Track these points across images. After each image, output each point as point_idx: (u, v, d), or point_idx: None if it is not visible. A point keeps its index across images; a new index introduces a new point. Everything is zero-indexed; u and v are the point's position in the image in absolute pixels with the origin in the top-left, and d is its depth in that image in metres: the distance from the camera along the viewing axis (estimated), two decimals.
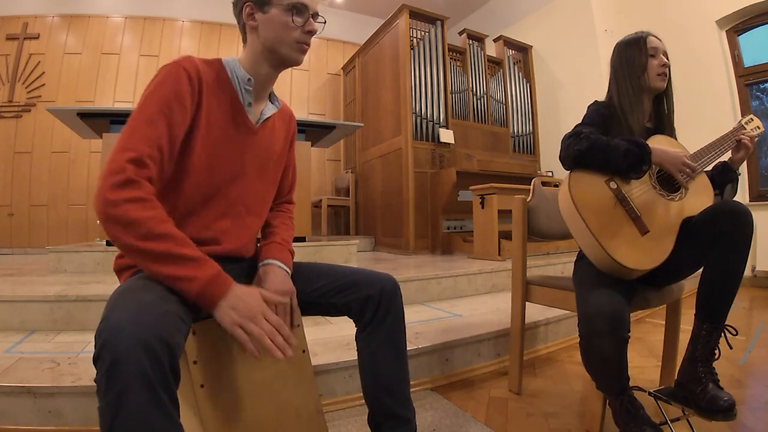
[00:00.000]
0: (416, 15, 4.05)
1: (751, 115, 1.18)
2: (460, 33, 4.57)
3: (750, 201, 3.45)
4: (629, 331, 0.92)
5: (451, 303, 2.28)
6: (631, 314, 0.99)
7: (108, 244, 2.51)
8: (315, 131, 3.16)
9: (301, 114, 5.27)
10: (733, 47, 3.60)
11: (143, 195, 0.68)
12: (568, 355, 1.82)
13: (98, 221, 0.68)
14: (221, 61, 0.87)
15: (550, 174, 4.46)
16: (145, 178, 0.70)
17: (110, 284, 1.86)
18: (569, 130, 1.14)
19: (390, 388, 0.92)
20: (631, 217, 1.05)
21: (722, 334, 1.01)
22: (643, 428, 0.94)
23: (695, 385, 0.97)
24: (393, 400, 0.91)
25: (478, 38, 4.56)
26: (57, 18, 4.68)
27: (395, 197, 4.02)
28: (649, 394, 1.07)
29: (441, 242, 3.83)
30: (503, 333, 1.69)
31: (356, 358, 0.96)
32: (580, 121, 1.19)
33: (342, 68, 5.61)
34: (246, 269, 0.92)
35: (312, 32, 0.87)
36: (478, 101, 4.41)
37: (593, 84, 4.16)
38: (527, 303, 1.44)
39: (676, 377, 1.06)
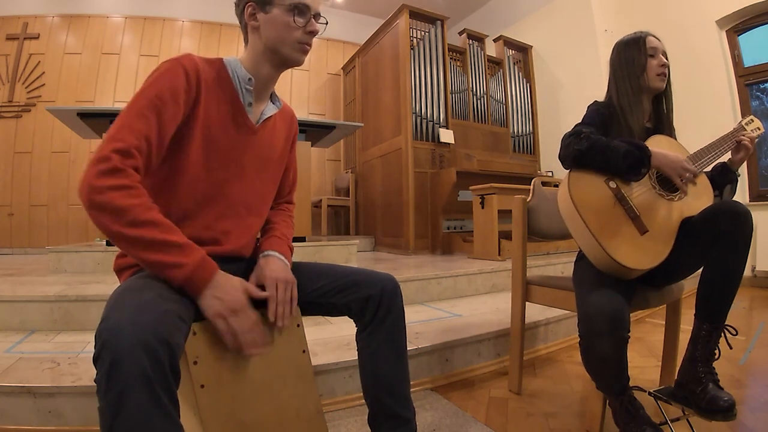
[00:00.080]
0: (416, 15, 4.05)
1: (752, 116, 1.18)
2: (460, 33, 4.57)
3: (750, 201, 3.45)
4: (629, 331, 0.92)
5: (451, 303, 2.28)
6: (631, 314, 0.99)
7: (108, 244, 2.51)
8: (315, 131, 3.16)
9: (301, 114, 5.27)
10: (733, 47, 3.60)
11: (129, 183, 0.68)
12: (568, 355, 1.82)
13: (84, 208, 0.68)
14: (222, 60, 0.88)
15: (550, 174, 4.46)
16: (131, 167, 0.70)
17: (110, 284, 1.86)
18: (569, 130, 1.14)
19: (390, 388, 0.92)
20: (630, 217, 1.05)
21: (722, 334, 1.01)
22: (643, 428, 0.94)
23: (695, 385, 0.97)
24: (393, 400, 0.91)
25: (478, 38, 4.56)
26: (57, 18, 4.68)
27: (395, 197, 4.02)
28: (649, 394, 1.07)
29: (441, 242, 3.83)
30: (503, 333, 1.69)
31: (356, 358, 0.96)
32: (579, 121, 1.19)
33: (342, 68, 5.61)
34: (245, 269, 0.92)
35: (313, 33, 0.87)
36: (478, 101, 4.41)
37: (593, 84, 4.16)
38: (527, 303, 1.44)
39: (676, 377, 1.06)
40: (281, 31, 0.84)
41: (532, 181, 1.49)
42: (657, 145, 1.15)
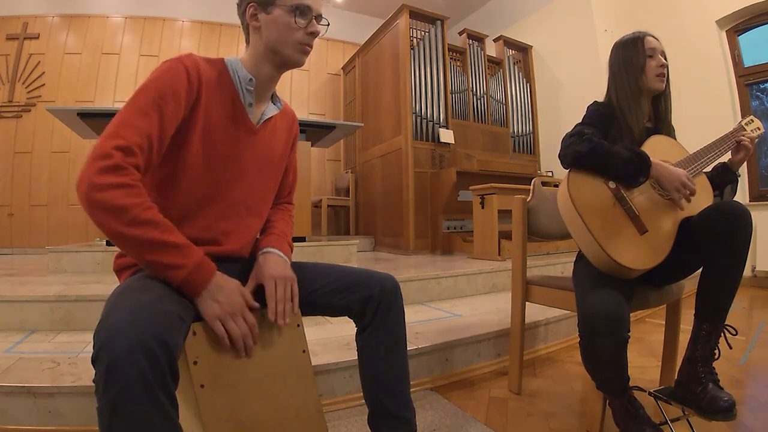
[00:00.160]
0: (416, 15, 4.05)
1: (751, 116, 1.18)
2: (460, 33, 4.57)
3: (750, 201, 3.45)
4: (629, 331, 0.92)
5: (451, 303, 2.28)
6: (631, 314, 0.99)
7: (108, 244, 2.51)
8: (315, 131, 3.16)
9: (301, 114, 5.26)
10: (733, 47, 3.60)
11: (129, 181, 0.68)
12: (568, 355, 1.82)
13: (81, 205, 0.68)
14: (224, 60, 0.88)
15: (550, 174, 4.45)
16: (132, 165, 0.69)
17: (110, 284, 1.86)
18: (570, 130, 1.14)
19: (390, 388, 0.92)
20: (629, 217, 1.05)
21: (722, 334, 1.01)
22: (643, 428, 0.94)
23: (695, 385, 0.97)
24: (393, 400, 0.91)
25: (478, 38, 4.56)
26: (57, 18, 4.68)
27: (395, 197, 4.02)
28: (649, 394, 1.07)
29: (441, 242, 3.82)
30: (503, 333, 1.69)
31: (356, 358, 0.96)
32: (580, 121, 1.19)
33: (342, 68, 5.61)
34: (245, 269, 0.92)
35: (315, 34, 0.87)
36: (478, 101, 4.41)
37: (593, 84, 4.16)
38: (527, 303, 1.44)
39: (676, 377, 1.06)
40: (282, 31, 0.84)
41: (532, 181, 1.49)
42: (657, 145, 1.15)
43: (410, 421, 0.92)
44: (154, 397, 0.55)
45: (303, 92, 5.50)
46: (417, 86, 3.92)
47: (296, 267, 0.97)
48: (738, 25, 3.57)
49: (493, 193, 3.04)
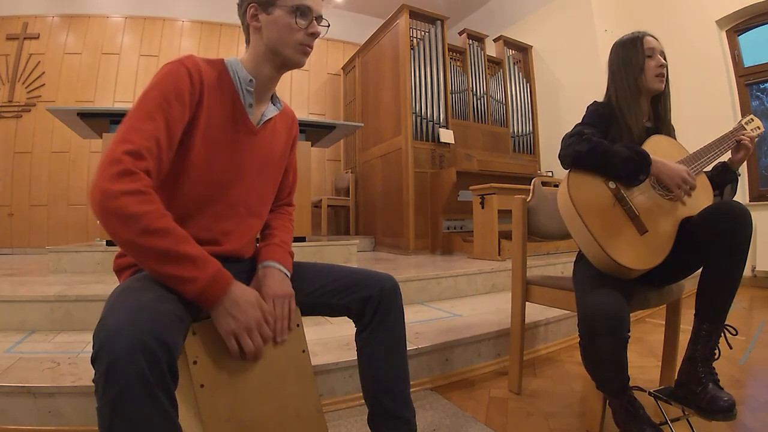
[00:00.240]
0: (416, 15, 4.05)
1: (751, 116, 1.18)
2: (460, 33, 4.57)
3: (750, 201, 3.45)
4: (629, 331, 0.92)
5: (451, 303, 2.28)
6: (631, 314, 0.99)
7: (108, 243, 2.51)
8: (315, 131, 3.16)
9: (301, 114, 5.27)
10: (733, 47, 3.60)
11: (141, 188, 0.67)
12: (568, 355, 1.82)
13: (94, 214, 0.67)
14: (223, 61, 0.87)
15: (550, 174, 4.45)
16: (142, 170, 0.69)
17: (110, 284, 1.86)
18: (569, 130, 1.14)
19: (390, 388, 0.92)
20: (629, 217, 1.05)
21: (722, 334, 1.01)
22: (643, 428, 0.94)
23: (695, 385, 0.97)
24: (393, 400, 0.91)
25: (478, 38, 4.56)
26: (57, 18, 4.68)
27: (395, 197, 4.02)
28: (649, 394, 1.07)
29: (441, 242, 3.82)
30: (503, 333, 1.69)
31: (356, 358, 0.96)
32: (579, 122, 1.19)
33: (342, 68, 5.61)
34: (245, 270, 0.92)
35: (315, 35, 0.87)
36: (478, 101, 4.41)
37: (593, 84, 4.16)
38: (527, 303, 1.44)
39: (676, 377, 1.06)
40: (283, 32, 0.84)
41: (532, 181, 1.49)
42: (657, 144, 1.15)
43: (410, 421, 0.92)
44: (154, 397, 0.55)
45: (303, 92, 5.50)
46: (417, 86, 3.92)
47: (296, 267, 0.97)
48: (738, 25, 3.57)
49: (493, 193, 3.04)
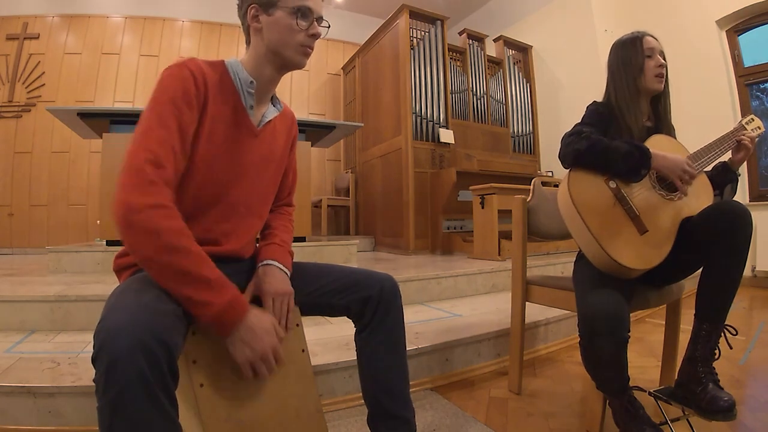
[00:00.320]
0: (416, 15, 4.05)
1: (752, 115, 1.18)
2: (460, 33, 4.57)
3: (750, 201, 3.45)
4: (629, 331, 0.92)
5: (451, 303, 2.28)
6: (631, 314, 0.99)
7: (108, 243, 2.51)
8: (315, 131, 3.16)
9: (301, 114, 5.27)
10: (733, 47, 3.60)
11: (165, 202, 0.68)
12: (568, 355, 1.82)
13: (117, 227, 0.67)
14: (224, 63, 0.87)
15: (550, 174, 4.45)
16: (164, 182, 0.70)
17: (110, 284, 1.85)
18: (570, 129, 1.14)
19: (389, 388, 0.92)
20: (630, 217, 1.05)
21: (722, 334, 1.01)
22: (643, 428, 0.94)
23: (695, 385, 0.97)
24: (392, 400, 0.91)
25: (478, 38, 4.56)
26: (57, 18, 4.68)
27: (395, 197, 4.02)
28: (649, 394, 1.07)
29: (441, 242, 3.82)
30: (503, 333, 1.69)
31: (356, 358, 0.96)
32: (579, 121, 1.19)
33: (342, 68, 5.61)
34: (245, 269, 0.92)
35: (316, 36, 0.86)
36: (478, 101, 4.41)
37: (593, 84, 4.16)
38: (527, 303, 1.44)
39: (676, 377, 1.06)
40: (284, 33, 0.84)
41: (532, 181, 1.49)
42: (657, 144, 1.14)
43: (410, 421, 0.92)
44: (154, 397, 0.55)
45: (303, 92, 5.50)
46: (417, 86, 3.92)
47: (296, 267, 0.97)
48: (738, 25, 3.57)
49: (493, 193, 3.04)
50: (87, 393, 1.13)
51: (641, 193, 1.09)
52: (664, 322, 1.41)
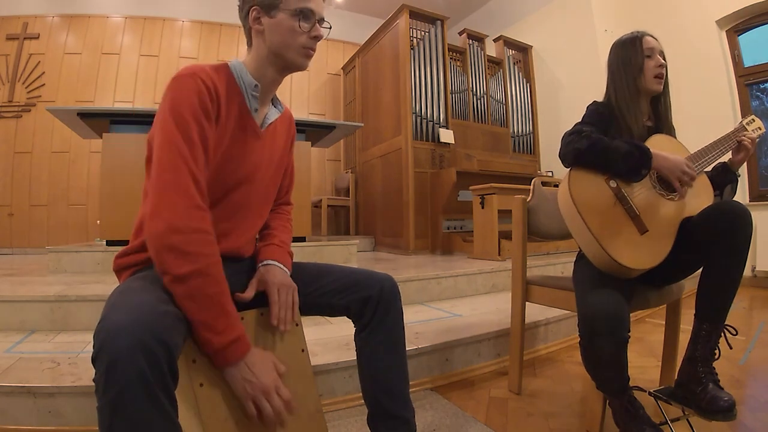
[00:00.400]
0: (416, 15, 4.05)
1: (753, 116, 1.18)
2: (460, 33, 4.57)
3: (750, 201, 3.45)
4: (629, 331, 0.92)
5: (451, 303, 2.28)
6: (631, 314, 0.99)
7: (108, 243, 2.51)
8: (315, 131, 3.16)
9: (301, 114, 5.27)
10: (733, 47, 3.60)
11: (207, 227, 0.71)
12: (568, 355, 1.82)
13: (149, 242, 0.68)
14: (228, 66, 0.86)
15: (550, 174, 4.45)
16: (203, 200, 0.72)
17: (110, 284, 1.85)
18: (570, 129, 1.14)
19: (389, 388, 0.92)
20: (630, 216, 1.05)
21: (722, 334, 1.01)
22: (643, 428, 0.94)
23: (695, 385, 0.97)
24: (392, 400, 0.91)
25: (478, 38, 4.56)
26: (57, 18, 4.68)
27: (395, 197, 4.02)
28: (649, 394, 1.07)
29: (441, 242, 3.82)
30: (503, 333, 1.69)
31: (356, 358, 0.96)
32: (579, 121, 1.19)
33: (342, 68, 5.61)
34: (245, 270, 0.92)
35: (318, 38, 0.86)
36: (478, 101, 4.41)
37: (593, 84, 4.16)
38: (527, 303, 1.44)
39: (676, 377, 1.06)
40: (286, 35, 0.84)
41: (532, 181, 1.49)
42: (658, 144, 1.15)
43: (409, 421, 0.92)
44: (154, 397, 0.55)
45: (303, 92, 5.50)
46: (417, 86, 3.92)
47: (296, 267, 0.97)
48: (738, 25, 3.57)
49: (493, 193, 3.04)
50: (87, 393, 1.13)
51: (642, 193, 1.09)
52: (664, 322, 1.41)
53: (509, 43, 4.89)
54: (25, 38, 4.55)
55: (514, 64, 4.88)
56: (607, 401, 1.06)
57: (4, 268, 2.91)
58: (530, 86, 4.95)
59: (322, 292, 0.94)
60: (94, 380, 0.55)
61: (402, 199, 3.89)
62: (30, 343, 1.52)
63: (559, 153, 1.14)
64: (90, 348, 0.57)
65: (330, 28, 0.89)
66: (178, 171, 0.70)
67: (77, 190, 4.57)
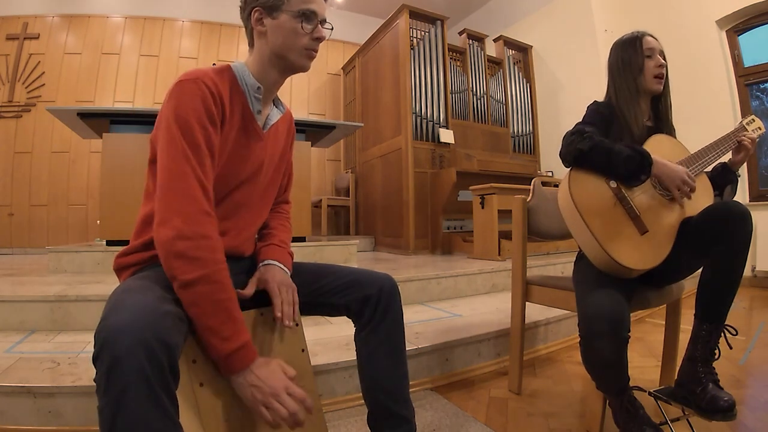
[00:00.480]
0: (416, 15, 4.05)
1: (753, 116, 1.18)
2: (460, 33, 4.57)
3: (750, 201, 3.45)
4: (629, 332, 0.92)
5: (451, 303, 2.28)
6: (631, 314, 0.99)
7: (108, 243, 2.51)
8: (315, 131, 3.16)
9: (301, 114, 5.27)
10: (733, 47, 3.60)
11: (214, 233, 0.71)
12: (568, 355, 1.82)
13: (159, 247, 0.68)
14: (231, 69, 0.86)
15: (550, 174, 4.46)
16: (212, 208, 0.72)
17: (110, 284, 1.86)
18: (571, 128, 1.14)
19: (389, 388, 0.92)
20: (630, 217, 1.05)
21: (722, 334, 1.01)
22: (643, 428, 0.94)
23: (695, 385, 0.97)
24: (392, 400, 0.91)
25: (478, 38, 4.56)
26: (57, 18, 4.68)
27: (395, 197, 4.02)
28: (649, 394, 1.07)
29: (441, 242, 3.82)
30: (503, 333, 1.69)
31: (356, 358, 0.96)
32: (580, 121, 1.19)
33: (342, 68, 5.61)
34: (245, 269, 0.93)
35: (320, 39, 0.86)
36: (478, 101, 4.41)
37: (593, 84, 4.16)
38: (527, 303, 1.44)
39: (676, 377, 1.06)
40: (289, 37, 0.84)
41: (532, 181, 1.49)
42: (659, 144, 1.15)
43: (410, 421, 0.92)
44: (156, 397, 0.55)
45: (303, 92, 5.50)
46: (417, 86, 3.92)
47: (296, 267, 0.97)
48: (738, 25, 3.57)
49: (493, 193, 3.04)
50: (87, 393, 1.13)
51: (642, 193, 1.09)
52: (664, 322, 1.41)
53: (509, 43, 4.89)
54: (25, 38, 4.55)
55: (514, 64, 4.88)
56: (607, 401, 1.06)
57: (4, 268, 2.91)
58: (530, 86, 4.95)
59: (322, 291, 0.94)
60: (95, 380, 0.55)
61: (402, 199, 3.89)
62: (30, 343, 1.52)
63: (560, 153, 1.14)
64: (90, 348, 0.57)
65: (332, 29, 0.89)
66: (184, 177, 0.70)
67: (77, 190, 4.57)
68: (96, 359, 0.55)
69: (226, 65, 0.87)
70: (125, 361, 0.53)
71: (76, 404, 1.14)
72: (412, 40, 4.02)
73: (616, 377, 0.98)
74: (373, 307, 0.92)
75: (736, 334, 1.02)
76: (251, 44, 0.89)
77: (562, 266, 2.91)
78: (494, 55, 4.80)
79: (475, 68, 4.43)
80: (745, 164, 1.25)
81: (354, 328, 0.97)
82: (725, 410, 0.90)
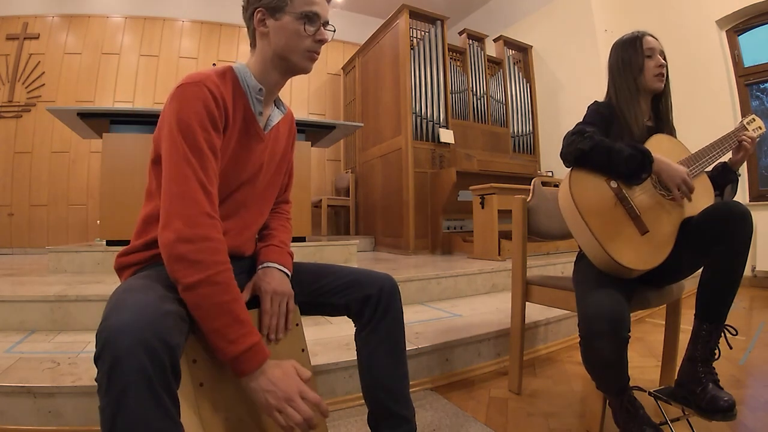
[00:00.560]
0: (416, 15, 4.05)
1: (753, 116, 1.18)
2: (460, 33, 4.57)
3: (750, 201, 3.45)
4: (629, 332, 0.92)
5: (451, 303, 2.28)
6: (631, 314, 0.99)
7: (108, 243, 2.51)
8: (315, 131, 3.16)
9: (301, 114, 5.27)
10: (733, 47, 3.60)
11: (217, 235, 0.71)
12: (568, 355, 1.82)
13: (163, 250, 0.68)
14: (233, 70, 0.86)
15: (550, 174, 4.46)
16: (215, 210, 0.72)
17: (110, 284, 1.86)
18: (572, 128, 1.14)
19: (389, 387, 0.92)
20: (631, 217, 1.05)
21: (722, 334, 1.01)
22: (643, 428, 0.94)
23: (695, 385, 0.97)
24: (392, 399, 0.91)
25: (478, 38, 4.56)
26: (57, 18, 4.68)
27: (395, 197, 4.02)
28: (649, 394, 1.07)
29: (441, 242, 3.82)
30: (503, 333, 1.69)
31: (356, 358, 0.96)
32: (580, 121, 1.19)
33: (342, 68, 5.61)
34: (245, 270, 0.93)
35: (323, 41, 0.86)
36: (478, 101, 4.41)
37: (593, 84, 4.16)
38: (527, 303, 1.44)
39: (676, 377, 1.06)
40: (291, 38, 0.83)
41: (532, 181, 1.49)
42: (659, 144, 1.15)
43: (410, 421, 0.92)
44: (157, 396, 0.55)
45: (303, 92, 5.50)
46: (417, 86, 3.92)
47: (296, 267, 0.97)
48: (738, 25, 3.57)
49: (493, 193, 3.04)
50: (87, 393, 1.12)
51: (643, 194, 1.09)
52: (664, 322, 1.41)
53: (509, 43, 4.89)
54: (25, 38, 4.55)
55: (514, 64, 4.88)
56: (607, 401, 1.06)
57: (4, 268, 2.91)
58: (530, 86, 4.95)
59: (322, 291, 0.94)
60: (96, 380, 0.55)
61: (402, 199, 3.89)
62: (30, 343, 1.52)
63: (561, 153, 1.14)
64: (90, 348, 0.57)
65: (334, 31, 0.89)
66: (185, 180, 0.70)
67: (77, 190, 4.57)
68: (97, 359, 0.55)
69: (227, 66, 0.87)
70: (126, 361, 0.53)
71: (76, 404, 1.13)
72: (412, 40, 4.02)
73: (616, 377, 0.98)
74: (374, 307, 0.92)
75: (736, 334, 1.02)
76: (253, 45, 0.89)
77: (562, 266, 2.91)
78: (494, 55, 4.80)
79: (475, 68, 4.43)
80: (745, 164, 1.25)
81: (354, 328, 0.97)
82: (725, 410, 0.90)
